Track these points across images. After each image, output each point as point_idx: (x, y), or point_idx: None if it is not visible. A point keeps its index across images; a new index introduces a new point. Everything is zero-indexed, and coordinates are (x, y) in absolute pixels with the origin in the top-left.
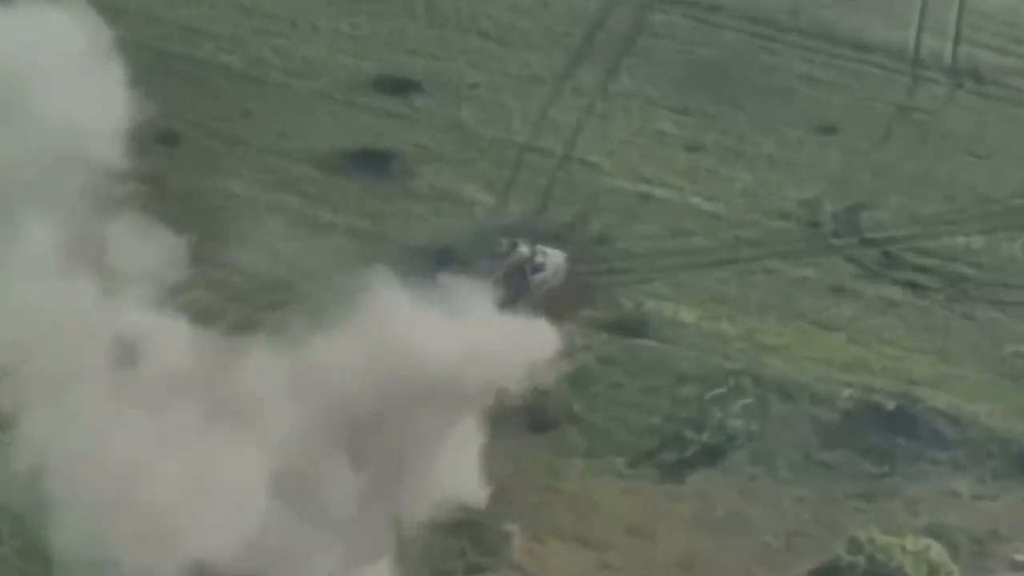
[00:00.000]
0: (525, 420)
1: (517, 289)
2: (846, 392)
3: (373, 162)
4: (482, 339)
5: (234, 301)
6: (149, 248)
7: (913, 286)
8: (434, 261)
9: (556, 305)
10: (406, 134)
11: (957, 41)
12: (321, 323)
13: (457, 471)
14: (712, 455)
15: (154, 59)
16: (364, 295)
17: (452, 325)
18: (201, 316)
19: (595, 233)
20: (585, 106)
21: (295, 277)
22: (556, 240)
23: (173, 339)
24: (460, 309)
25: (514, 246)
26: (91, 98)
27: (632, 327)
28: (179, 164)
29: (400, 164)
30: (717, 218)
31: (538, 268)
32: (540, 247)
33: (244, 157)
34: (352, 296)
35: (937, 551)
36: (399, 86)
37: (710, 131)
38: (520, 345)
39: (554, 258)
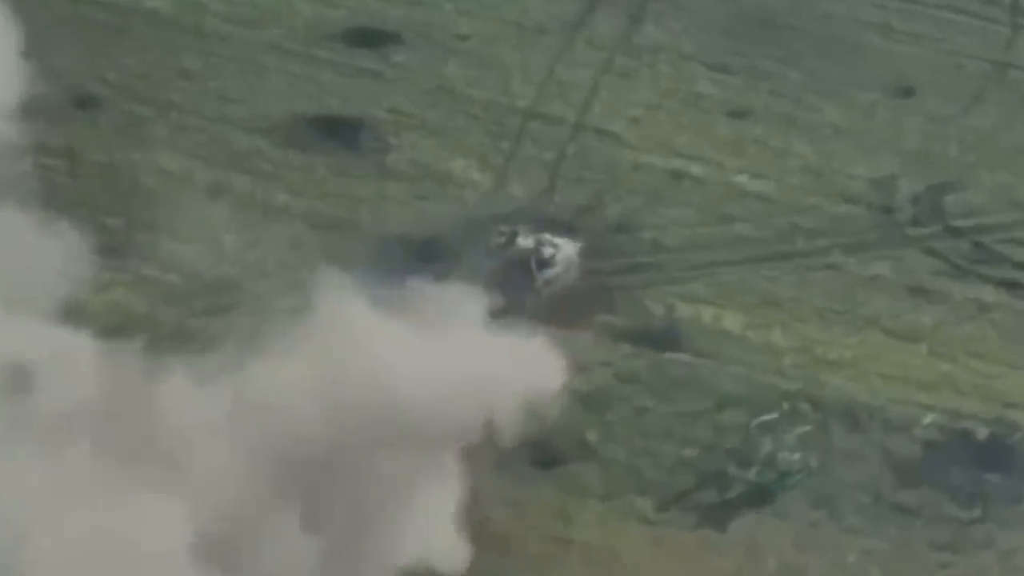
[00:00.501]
0: (527, 454)
1: (518, 291)
2: (927, 418)
3: (339, 132)
4: (468, 362)
5: (163, 307)
6: (53, 242)
7: (1010, 286)
8: (414, 257)
9: (567, 310)
10: (380, 97)
11: None
12: (269, 337)
13: (433, 529)
14: (761, 496)
15: (64, 6)
16: (323, 302)
17: (431, 343)
18: (119, 328)
19: (615, 220)
20: (602, 62)
21: (241, 276)
22: (567, 230)
23: (79, 361)
24: (444, 321)
25: (514, 236)
26: None
27: (661, 337)
28: (97, 135)
29: (373, 135)
30: (767, 201)
31: (545, 263)
32: (547, 237)
33: (179, 126)
34: (310, 303)
35: None
36: (372, 38)
37: (758, 93)
38: (517, 370)
39: (565, 251)
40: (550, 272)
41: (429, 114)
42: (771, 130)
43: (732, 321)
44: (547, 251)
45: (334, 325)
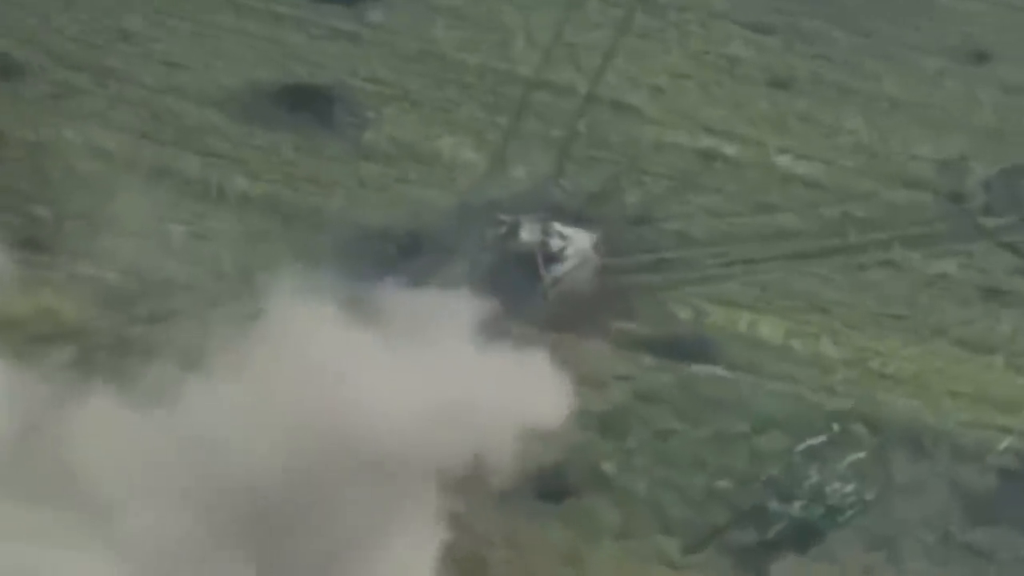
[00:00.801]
0: (532, 485)
1: (520, 293)
2: (1004, 443)
3: (308, 105)
4: (453, 384)
5: (98, 312)
6: None
7: None
8: (395, 253)
9: (577, 316)
10: (356, 63)
11: None
12: (219, 352)
13: None
14: (807, 535)
15: None
16: (284, 310)
17: (409, 360)
18: (46, 338)
19: (634, 209)
20: (619, 21)
21: (191, 276)
22: (577, 220)
23: None
24: (426, 333)
25: (517, 227)
26: None
27: (689, 348)
28: (22, 109)
29: (347, 108)
30: (815, 187)
31: (553, 259)
32: (556, 227)
33: (118, 97)
34: (269, 309)
35: None
36: None
37: (803, 58)
38: (512, 395)
39: (577, 243)
40: (559, 269)
41: (413, 83)
42: (819, 102)
43: (772, 328)
44: (556, 244)
45: (294, 338)
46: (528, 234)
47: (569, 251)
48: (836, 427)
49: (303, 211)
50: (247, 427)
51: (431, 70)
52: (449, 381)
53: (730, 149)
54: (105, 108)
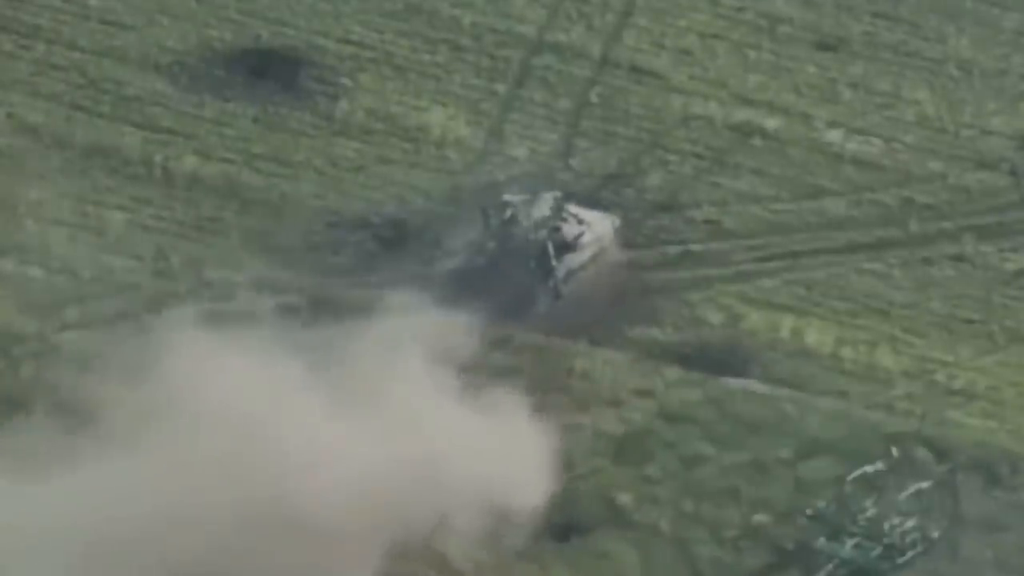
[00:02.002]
0: (541, 520)
1: (527, 288)
2: None
3: (271, 70)
4: (408, 448)
5: (21, 316)
6: None
7: None
8: (375, 246)
9: (591, 319)
10: (328, 20)
11: None
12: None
13: None
14: None
15: None
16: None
17: (360, 415)
18: None
19: (657, 194)
20: None
21: (131, 273)
22: (590, 206)
23: None
24: (380, 371)
25: (524, 209)
26: None
27: (721, 358)
28: None
29: (316, 73)
30: (871, 167)
31: (568, 247)
32: (572, 210)
33: (47, 62)
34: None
35: None
36: None
37: (858, 16)
38: (478, 470)
39: (598, 227)
40: (574, 260)
41: (396, 45)
42: (876, 69)
43: (820, 335)
44: (571, 231)
45: (230, 371)
46: (538, 218)
47: (586, 238)
48: (896, 452)
49: (264, 196)
50: (168, 486)
51: (417, 29)
52: (405, 439)
53: (770, 123)
54: (30, 74)
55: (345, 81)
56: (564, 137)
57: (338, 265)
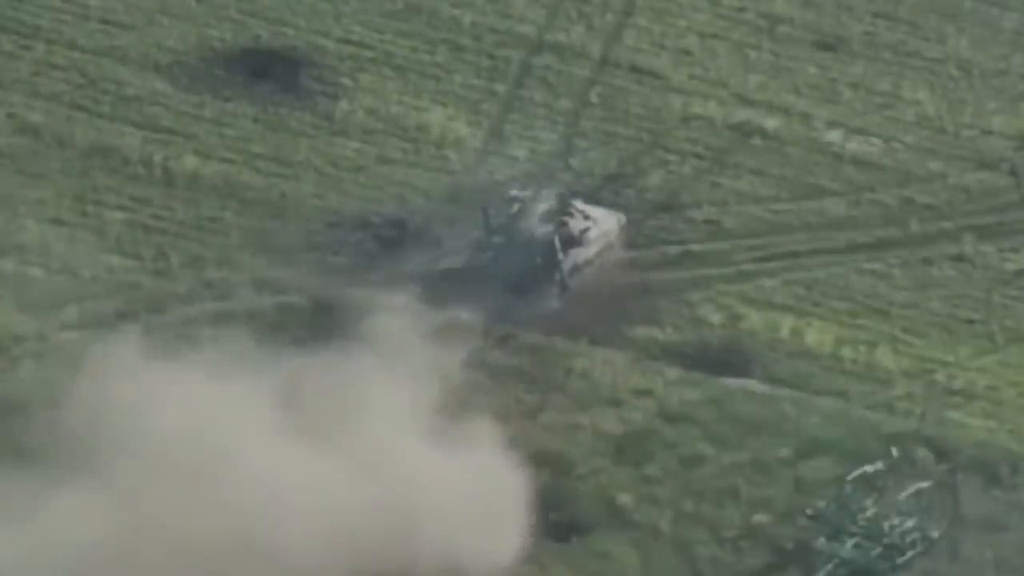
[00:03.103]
0: (539, 520)
1: (532, 283)
2: None
3: (271, 70)
4: (372, 489)
5: (20, 315)
6: None
7: None
8: (375, 246)
9: (590, 319)
10: (328, 20)
11: None
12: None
13: None
14: None
15: None
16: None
17: (321, 453)
18: None
19: (657, 194)
20: None
21: (132, 274)
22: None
23: None
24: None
25: (532, 203)
26: None
27: (721, 358)
28: None
29: (316, 73)
30: (872, 167)
31: (574, 240)
32: (579, 205)
33: (47, 62)
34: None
35: None
36: None
37: (858, 15)
38: (448, 505)
39: (605, 223)
40: (580, 255)
41: (396, 45)
42: (876, 68)
43: (819, 335)
44: (577, 225)
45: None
46: (544, 213)
47: (593, 234)
48: (895, 452)
49: (264, 196)
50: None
51: (417, 29)
52: (369, 483)
53: (770, 123)
54: (31, 74)
55: (345, 81)
56: (564, 137)
57: (337, 264)
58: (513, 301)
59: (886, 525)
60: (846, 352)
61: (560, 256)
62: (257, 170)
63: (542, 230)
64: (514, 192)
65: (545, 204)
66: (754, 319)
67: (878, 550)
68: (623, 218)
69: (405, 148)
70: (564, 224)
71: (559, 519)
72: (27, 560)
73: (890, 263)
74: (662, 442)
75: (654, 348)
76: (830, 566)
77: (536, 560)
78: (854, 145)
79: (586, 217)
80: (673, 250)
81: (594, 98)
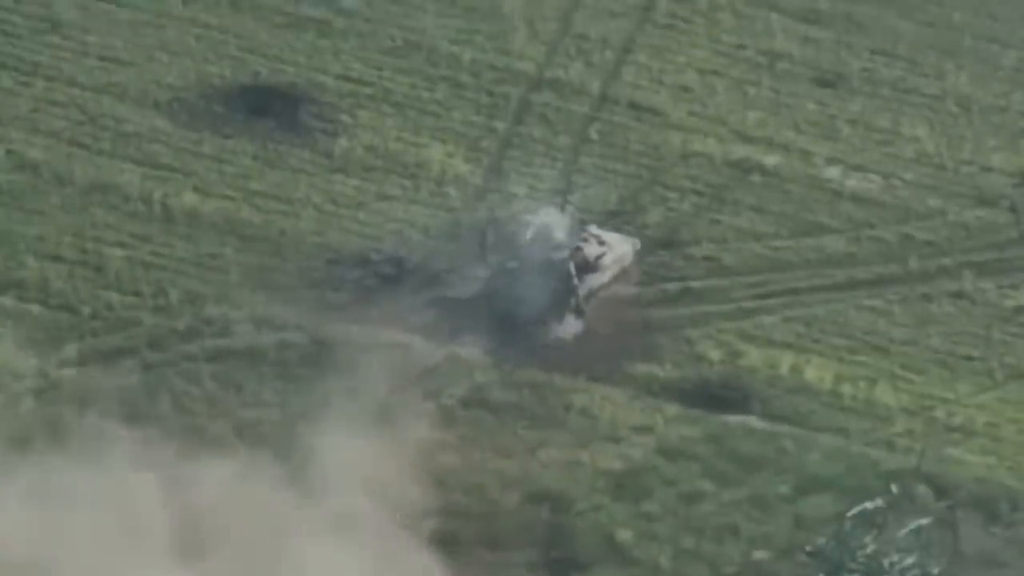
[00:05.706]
0: (534, 557)
1: (548, 308)
2: None
3: (270, 107)
4: None
5: (20, 352)
6: None
7: None
8: (375, 283)
9: (590, 355)
10: (327, 58)
11: None
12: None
13: None
14: None
15: None
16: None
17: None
18: None
19: (657, 231)
20: (638, 8)
21: (130, 310)
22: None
23: None
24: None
25: (544, 228)
26: None
27: (721, 394)
28: None
29: (316, 110)
30: (870, 204)
31: (589, 266)
32: (593, 230)
33: (46, 98)
34: None
35: None
36: None
37: (857, 52)
38: None
39: (619, 248)
40: (595, 280)
41: (395, 82)
42: (876, 104)
43: (819, 372)
44: (592, 250)
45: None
46: (560, 238)
47: (607, 259)
48: (895, 488)
49: (263, 233)
50: None
51: (416, 66)
52: None
53: (769, 159)
54: (30, 111)
55: (344, 118)
56: (563, 174)
57: (337, 301)
58: (515, 333)
59: (886, 562)
60: (846, 389)
61: (575, 282)
62: (256, 207)
63: (557, 255)
64: (527, 217)
65: (560, 229)
66: (754, 356)
67: None
68: (638, 243)
69: (404, 185)
70: (579, 249)
71: (559, 556)
72: None
73: (889, 300)
74: (662, 479)
75: (654, 385)
76: None
77: None
78: (853, 182)
79: (601, 242)
80: (673, 287)
81: (593, 135)
